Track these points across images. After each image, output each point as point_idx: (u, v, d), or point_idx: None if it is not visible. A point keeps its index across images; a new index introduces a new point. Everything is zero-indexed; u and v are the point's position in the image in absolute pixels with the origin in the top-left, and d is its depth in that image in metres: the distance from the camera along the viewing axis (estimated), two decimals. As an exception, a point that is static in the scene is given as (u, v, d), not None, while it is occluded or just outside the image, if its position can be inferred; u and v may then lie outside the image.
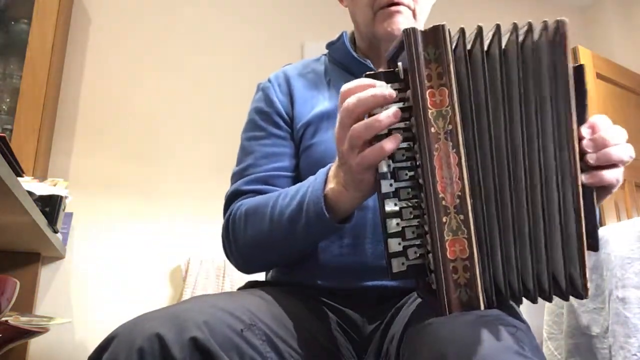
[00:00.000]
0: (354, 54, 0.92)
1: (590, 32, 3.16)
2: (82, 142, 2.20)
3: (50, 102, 2.01)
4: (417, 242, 0.60)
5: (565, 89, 0.57)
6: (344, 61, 0.94)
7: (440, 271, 0.54)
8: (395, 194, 0.60)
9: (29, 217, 1.16)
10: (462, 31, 0.56)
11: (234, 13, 2.56)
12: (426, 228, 0.57)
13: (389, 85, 0.58)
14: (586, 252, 0.58)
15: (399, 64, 0.61)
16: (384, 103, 0.57)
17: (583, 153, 0.59)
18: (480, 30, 0.56)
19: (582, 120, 0.59)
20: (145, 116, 2.30)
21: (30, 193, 1.21)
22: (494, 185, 0.57)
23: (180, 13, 2.47)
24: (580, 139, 0.59)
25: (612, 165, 0.59)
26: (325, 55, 1.00)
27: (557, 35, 0.57)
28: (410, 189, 0.60)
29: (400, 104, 0.58)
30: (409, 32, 0.55)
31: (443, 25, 0.55)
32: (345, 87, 0.59)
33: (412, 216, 0.60)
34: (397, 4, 0.85)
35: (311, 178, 0.71)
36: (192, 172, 2.29)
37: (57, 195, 1.47)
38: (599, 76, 2.62)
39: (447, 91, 0.55)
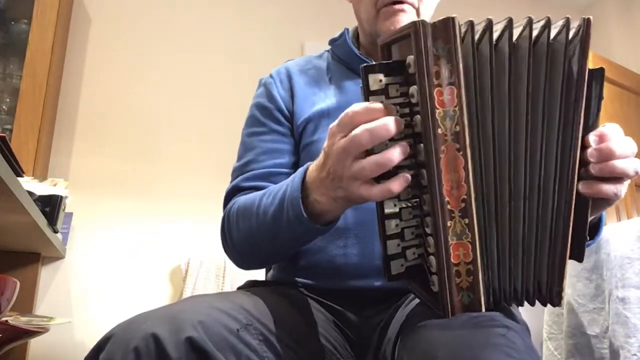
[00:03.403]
0: (356, 51, 0.92)
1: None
2: (82, 142, 2.20)
3: (50, 102, 2.01)
4: (416, 242, 0.59)
5: (578, 93, 0.54)
6: (346, 59, 0.93)
7: (444, 275, 0.53)
8: (395, 195, 0.57)
9: (29, 217, 1.16)
10: (471, 24, 0.52)
11: (234, 13, 2.56)
12: (428, 230, 0.56)
13: (389, 77, 0.54)
14: (567, 262, 0.57)
15: (395, 52, 0.57)
16: (395, 135, 0.52)
17: (586, 162, 0.56)
18: (490, 23, 0.53)
19: (593, 126, 0.56)
20: (145, 116, 2.30)
21: (30, 193, 1.20)
22: (495, 189, 0.56)
23: (180, 13, 2.47)
24: (587, 146, 0.56)
25: (615, 178, 0.56)
26: (327, 51, 0.99)
27: (579, 35, 0.54)
28: (410, 189, 0.57)
29: (402, 99, 0.54)
30: (418, 25, 0.50)
31: (454, 18, 0.51)
32: (352, 110, 0.53)
33: (411, 216, 0.58)
34: (401, 2, 0.84)
35: (290, 178, 0.68)
36: (192, 172, 2.29)
37: (57, 195, 1.47)
38: (600, 76, 2.61)
39: (456, 90, 0.51)
